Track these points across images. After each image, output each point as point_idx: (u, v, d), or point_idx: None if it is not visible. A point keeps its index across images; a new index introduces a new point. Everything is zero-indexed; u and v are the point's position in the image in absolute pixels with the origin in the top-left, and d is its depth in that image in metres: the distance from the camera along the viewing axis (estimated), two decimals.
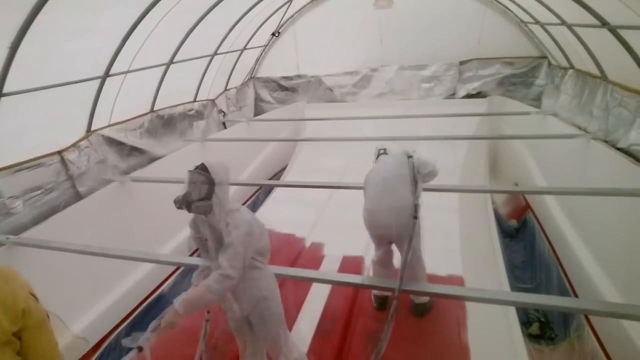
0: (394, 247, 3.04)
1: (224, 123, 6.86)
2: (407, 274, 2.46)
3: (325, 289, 3.54)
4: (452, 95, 7.47)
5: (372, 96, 7.91)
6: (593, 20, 3.80)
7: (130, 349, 1.92)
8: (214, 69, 6.16)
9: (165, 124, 5.28)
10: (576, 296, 3.47)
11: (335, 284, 2.38)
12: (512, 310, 3.09)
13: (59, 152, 3.67)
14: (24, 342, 1.51)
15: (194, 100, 6.00)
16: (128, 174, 4.41)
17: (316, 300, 3.48)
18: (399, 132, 5.49)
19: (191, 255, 2.97)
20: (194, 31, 4.87)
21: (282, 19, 7.16)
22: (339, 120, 6.63)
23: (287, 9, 6.74)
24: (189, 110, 5.85)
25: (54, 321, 1.69)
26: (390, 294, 3.00)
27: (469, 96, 7.36)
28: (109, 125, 4.33)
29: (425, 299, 3.17)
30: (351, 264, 4.05)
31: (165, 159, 4.89)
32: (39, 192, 3.44)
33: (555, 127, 5.16)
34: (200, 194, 1.93)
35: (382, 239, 3.01)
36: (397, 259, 3.00)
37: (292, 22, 7.77)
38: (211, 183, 1.94)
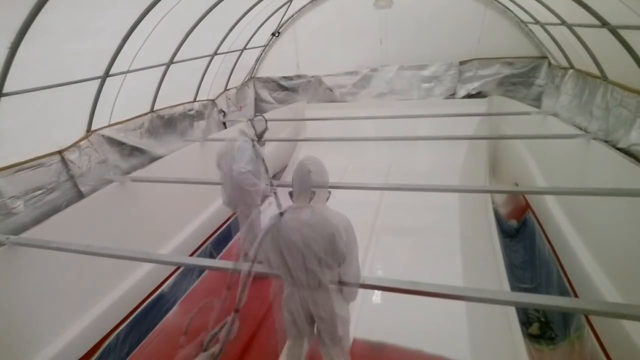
0: None
1: (224, 123, 6.86)
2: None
3: None
4: (452, 95, 7.47)
5: (372, 96, 7.91)
6: (593, 20, 3.80)
7: None
8: (214, 69, 6.16)
9: (166, 124, 5.27)
10: (576, 296, 3.47)
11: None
12: (512, 310, 3.09)
13: (60, 152, 3.67)
14: None
15: (194, 100, 6.00)
16: (129, 174, 4.41)
17: None
18: (398, 132, 5.50)
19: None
20: (194, 31, 4.87)
21: (282, 19, 7.15)
22: (339, 120, 6.64)
23: (287, 9, 6.73)
24: (189, 110, 5.85)
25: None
26: None
27: (469, 96, 7.36)
28: (109, 125, 4.33)
29: None
30: None
31: (165, 159, 4.90)
32: (40, 192, 3.44)
33: (556, 127, 5.16)
34: None
35: None
36: None
37: (292, 22, 7.77)
38: None
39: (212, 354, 1.96)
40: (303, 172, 1.97)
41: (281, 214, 1.99)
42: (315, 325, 2.24)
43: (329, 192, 2.11)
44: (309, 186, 1.96)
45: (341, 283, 2.07)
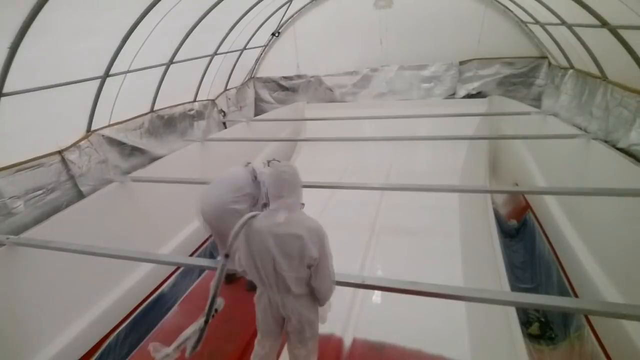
0: None
1: (224, 123, 6.86)
2: None
3: None
4: (452, 95, 7.47)
5: (372, 96, 7.91)
6: (593, 20, 3.80)
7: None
8: (214, 69, 6.16)
9: (166, 124, 5.28)
10: (576, 296, 3.47)
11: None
12: (512, 310, 3.09)
13: (60, 152, 3.67)
14: None
15: (194, 100, 6.00)
16: (129, 174, 4.41)
17: None
18: (399, 132, 5.50)
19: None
20: (194, 31, 4.87)
21: (282, 19, 7.16)
22: (339, 120, 6.63)
23: (287, 9, 6.73)
24: (189, 110, 5.85)
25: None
26: None
27: (469, 96, 7.36)
28: (109, 125, 4.33)
29: None
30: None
31: (165, 159, 4.89)
32: (40, 192, 3.44)
33: (555, 127, 5.16)
34: None
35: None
36: None
37: (292, 22, 7.77)
38: None
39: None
40: (278, 176, 1.99)
41: (253, 216, 2.00)
42: (284, 325, 2.26)
43: (303, 204, 2.11)
44: (284, 190, 1.98)
45: (312, 288, 2.07)
